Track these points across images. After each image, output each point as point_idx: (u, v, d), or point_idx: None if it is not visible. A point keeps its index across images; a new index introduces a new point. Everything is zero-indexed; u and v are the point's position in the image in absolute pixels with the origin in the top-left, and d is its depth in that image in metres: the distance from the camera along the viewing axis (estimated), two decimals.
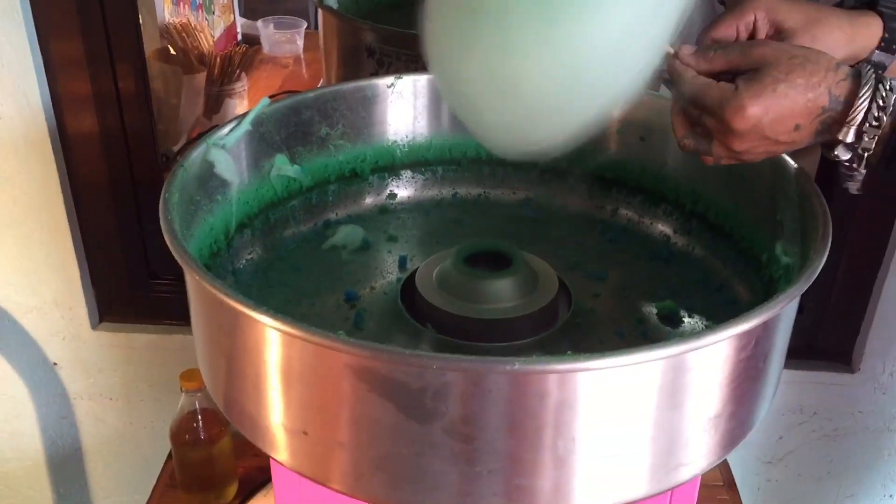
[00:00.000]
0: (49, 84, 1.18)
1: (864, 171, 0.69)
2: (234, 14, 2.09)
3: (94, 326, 1.36)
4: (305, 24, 2.10)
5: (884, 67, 0.78)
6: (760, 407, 0.70)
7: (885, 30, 0.73)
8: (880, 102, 0.65)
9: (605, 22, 0.61)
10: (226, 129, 0.83)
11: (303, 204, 0.91)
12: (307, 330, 0.58)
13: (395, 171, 0.97)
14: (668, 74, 0.71)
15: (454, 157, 0.98)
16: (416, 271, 0.80)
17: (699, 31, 0.75)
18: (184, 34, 1.76)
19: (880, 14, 0.74)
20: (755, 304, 0.62)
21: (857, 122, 0.65)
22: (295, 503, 0.82)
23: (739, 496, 1.20)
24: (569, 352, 0.58)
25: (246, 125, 0.84)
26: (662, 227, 0.93)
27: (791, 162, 0.79)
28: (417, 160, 0.97)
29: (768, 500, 1.48)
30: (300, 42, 2.09)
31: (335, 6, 1.34)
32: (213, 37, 1.90)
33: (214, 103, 1.79)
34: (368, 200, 0.96)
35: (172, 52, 1.74)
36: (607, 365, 0.57)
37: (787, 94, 0.65)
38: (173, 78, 1.65)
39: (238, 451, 1.18)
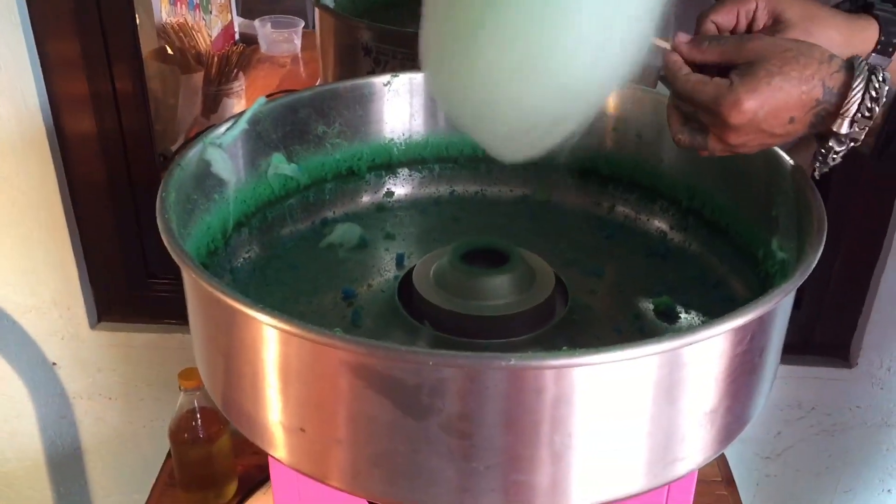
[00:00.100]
0: (46, 84, 1.19)
1: (839, 160, 0.69)
2: (231, 13, 2.08)
3: (92, 326, 1.36)
4: (303, 24, 2.10)
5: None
6: (757, 402, 0.70)
7: (881, 33, 0.73)
8: (873, 94, 0.65)
9: (582, 20, 0.62)
10: (222, 128, 0.83)
11: (300, 202, 0.91)
12: (304, 327, 0.58)
13: (391, 168, 0.97)
14: (664, 71, 0.71)
15: (451, 155, 0.98)
16: (413, 269, 0.80)
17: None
18: (181, 34, 1.76)
19: (876, 17, 0.74)
20: (751, 300, 0.62)
21: (851, 114, 0.66)
22: (294, 501, 0.82)
23: (738, 492, 1.20)
24: (565, 347, 0.58)
25: (243, 124, 0.84)
26: (659, 224, 0.93)
27: (786, 158, 0.79)
28: (414, 158, 0.97)
29: (767, 496, 1.48)
30: (298, 41, 2.09)
31: (332, 5, 1.34)
32: (211, 36, 1.90)
33: (212, 103, 1.79)
34: (365, 198, 0.96)
35: (170, 51, 1.74)
36: (603, 360, 0.57)
37: (782, 87, 0.65)
38: (171, 78, 1.65)
39: (237, 449, 1.18)
